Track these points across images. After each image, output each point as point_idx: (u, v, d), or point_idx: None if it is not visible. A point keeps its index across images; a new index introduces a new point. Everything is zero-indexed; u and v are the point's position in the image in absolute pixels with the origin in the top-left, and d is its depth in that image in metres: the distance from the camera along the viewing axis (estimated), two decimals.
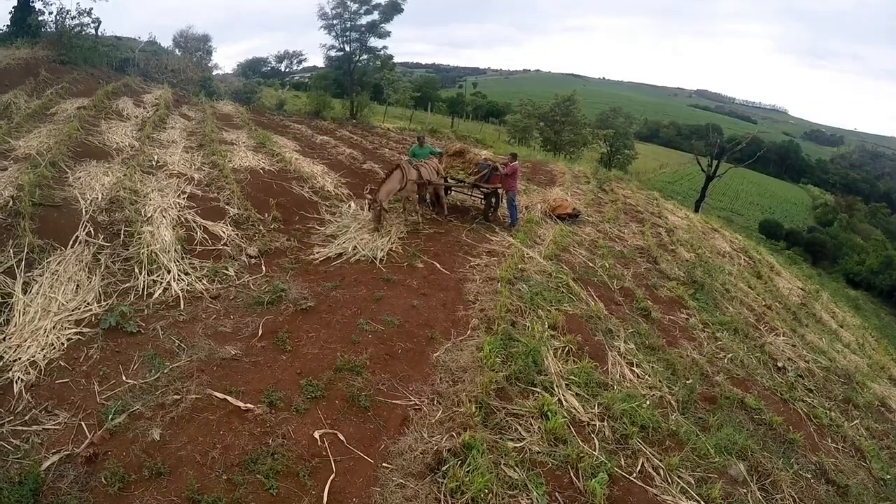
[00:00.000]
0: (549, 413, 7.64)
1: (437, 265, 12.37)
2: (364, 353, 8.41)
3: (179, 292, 9.71)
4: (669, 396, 9.07)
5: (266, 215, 13.41)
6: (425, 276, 11.75)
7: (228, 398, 7.07)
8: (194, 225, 12.01)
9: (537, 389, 8.28)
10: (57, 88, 20.77)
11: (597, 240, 16.75)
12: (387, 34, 37.83)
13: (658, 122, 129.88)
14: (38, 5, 28.99)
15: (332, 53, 38.75)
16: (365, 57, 38.68)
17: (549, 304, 11.12)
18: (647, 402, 8.62)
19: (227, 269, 10.82)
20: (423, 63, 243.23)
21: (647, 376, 9.51)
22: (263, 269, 11.20)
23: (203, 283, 10.17)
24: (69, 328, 8.30)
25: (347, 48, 37.94)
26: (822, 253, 57.48)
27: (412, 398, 7.75)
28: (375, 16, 36.88)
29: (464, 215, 16.58)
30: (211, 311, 9.30)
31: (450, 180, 16.29)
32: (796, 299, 18.77)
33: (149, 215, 11.92)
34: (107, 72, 28.27)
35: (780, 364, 11.91)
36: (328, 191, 16.27)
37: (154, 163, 15.27)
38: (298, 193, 15.35)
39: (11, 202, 10.58)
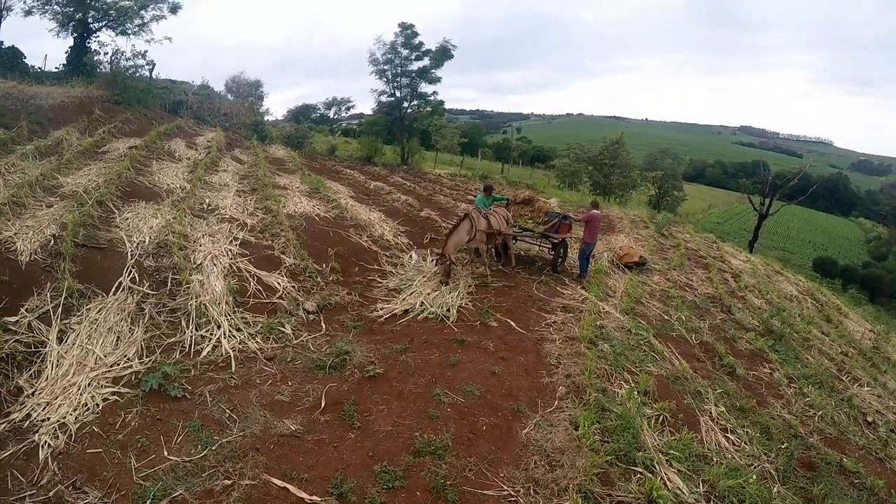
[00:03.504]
0: (659, 500, 6.58)
1: (512, 323, 11.19)
2: (445, 431, 7.24)
3: (230, 351, 8.75)
4: (768, 465, 8.22)
5: (324, 266, 12.44)
6: (501, 337, 10.58)
7: (290, 487, 5.96)
8: (247, 275, 11.11)
9: (639, 469, 7.18)
10: (109, 127, 20.57)
11: (667, 289, 15.72)
12: (437, 80, 37.29)
13: (703, 161, 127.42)
14: (93, 46, 29.69)
15: (383, 99, 38.39)
16: (416, 102, 38.22)
17: (634, 364, 10.06)
18: (754, 478, 7.67)
19: (283, 325, 9.80)
20: (468, 109, 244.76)
21: (742, 443, 8.66)
22: (323, 326, 10.15)
23: (257, 341, 9.18)
24: (106, 387, 7.51)
25: (398, 94, 37.53)
26: (879, 289, 54.15)
27: (505, 487, 6.52)
28: (426, 61, 36.42)
29: (530, 266, 15.46)
30: (266, 375, 8.27)
31: (516, 229, 15.23)
32: (868, 342, 17.72)
33: (198, 262, 11.15)
34: (160, 113, 28.16)
35: (869, 418, 11.18)
36: (387, 240, 15.28)
37: (205, 206, 14.62)
38: (356, 242, 14.37)
39: (53, 241, 9.98)
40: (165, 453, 6.33)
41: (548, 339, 10.68)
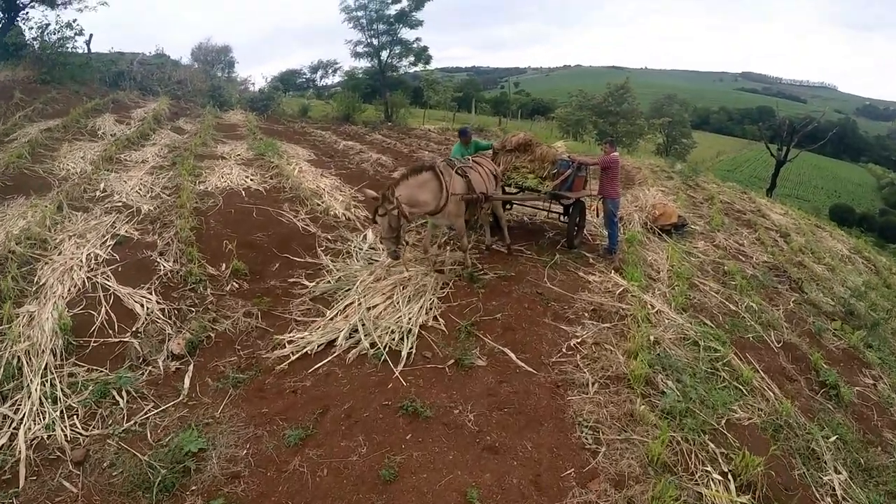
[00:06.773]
0: None
1: (511, 354, 6.65)
2: None
3: (24, 449, 5.03)
4: None
5: (223, 268, 8.49)
6: (490, 389, 6.04)
7: None
8: (102, 296, 7.29)
9: None
10: (28, 111, 17.27)
11: (719, 260, 11.66)
12: (418, 24, 34.00)
13: (707, 109, 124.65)
14: (21, 24, 25.84)
15: (360, 49, 34.68)
16: (397, 49, 34.34)
17: (713, 411, 6.00)
18: None
19: (120, 389, 5.91)
20: (463, 67, 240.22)
21: None
22: (186, 384, 6.16)
23: (73, 425, 5.42)
24: None
25: (376, 42, 33.72)
26: None
27: None
28: (404, 3, 33.12)
29: (535, 238, 11.12)
30: (61, 501, 4.58)
31: (512, 189, 10.87)
32: None
33: (44, 281, 7.49)
34: (97, 88, 24.48)
35: None
36: (334, 215, 11.18)
37: (98, 193, 11.01)
38: (289, 223, 10.36)
39: None
40: None
41: (574, 384, 6.27)
